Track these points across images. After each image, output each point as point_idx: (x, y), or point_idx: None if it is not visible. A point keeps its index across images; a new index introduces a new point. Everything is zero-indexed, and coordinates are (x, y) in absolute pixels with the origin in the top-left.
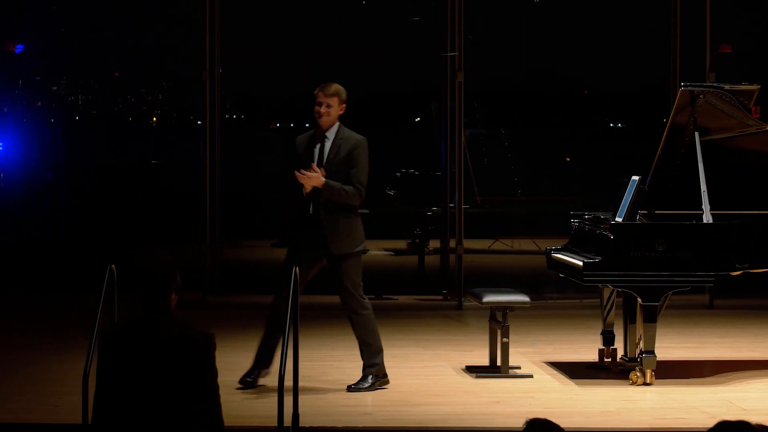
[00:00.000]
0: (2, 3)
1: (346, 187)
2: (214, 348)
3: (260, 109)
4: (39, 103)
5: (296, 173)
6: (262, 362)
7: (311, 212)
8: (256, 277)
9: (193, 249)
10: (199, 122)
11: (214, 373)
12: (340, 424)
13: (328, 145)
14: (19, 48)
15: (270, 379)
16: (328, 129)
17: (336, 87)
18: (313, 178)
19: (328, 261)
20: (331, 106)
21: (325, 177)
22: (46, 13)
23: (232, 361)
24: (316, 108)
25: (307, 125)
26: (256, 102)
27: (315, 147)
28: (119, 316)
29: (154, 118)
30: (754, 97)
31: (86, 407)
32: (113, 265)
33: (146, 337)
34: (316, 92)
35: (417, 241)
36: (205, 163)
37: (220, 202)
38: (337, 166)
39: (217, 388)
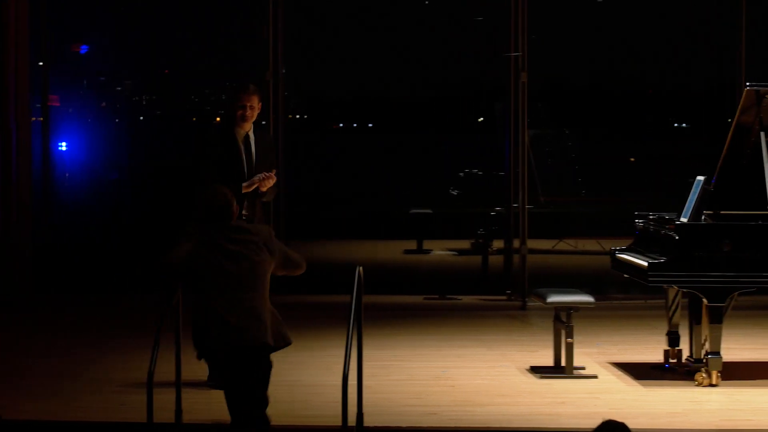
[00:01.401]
0: (67, 4)
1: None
2: (272, 232)
3: (324, 109)
4: (104, 104)
5: (265, 177)
6: None
7: (245, 211)
8: (321, 276)
9: None
10: (263, 122)
11: (279, 244)
12: (404, 424)
13: (253, 145)
14: (83, 49)
15: (334, 378)
16: (250, 129)
17: (255, 87)
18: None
19: None
20: (254, 107)
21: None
22: (111, 13)
23: (296, 360)
24: (240, 111)
25: (370, 125)
26: (319, 102)
27: (241, 150)
28: (183, 316)
29: (218, 118)
30: None
31: (151, 405)
32: (177, 264)
33: (222, 234)
34: (238, 95)
35: (481, 241)
36: None
37: (287, 202)
38: (265, 164)
39: (285, 248)
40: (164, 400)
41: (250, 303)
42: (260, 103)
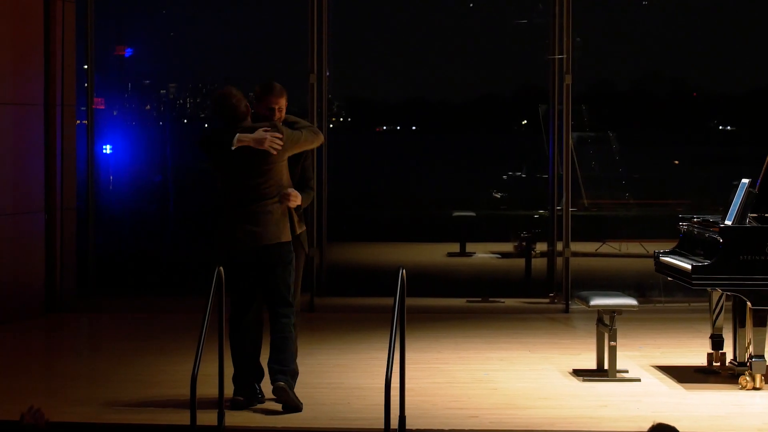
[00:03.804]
0: (112, 7)
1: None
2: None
3: (367, 112)
4: (148, 107)
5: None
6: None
7: None
8: (363, 279)
9: None
10: None
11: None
12: (446, 427)
13: None
14: (128, 52)
15: (376, 381)
16: None
17: (282, 87)
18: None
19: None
20: (282, 109)
21: None
22: (156, 16)
23: (339, 363)
24: (268, 114)
25: (413, 128)
26: (363, 105)
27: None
28: (226, 317)
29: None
30: None
31: (194, 408)
32: (221, 267)
33: (229, 140)
34: (267, 97)
35: (524, 243)
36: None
37: (327, 204)
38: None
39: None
40: (207, 403)
41: (249, 204)
42: (287, 103)
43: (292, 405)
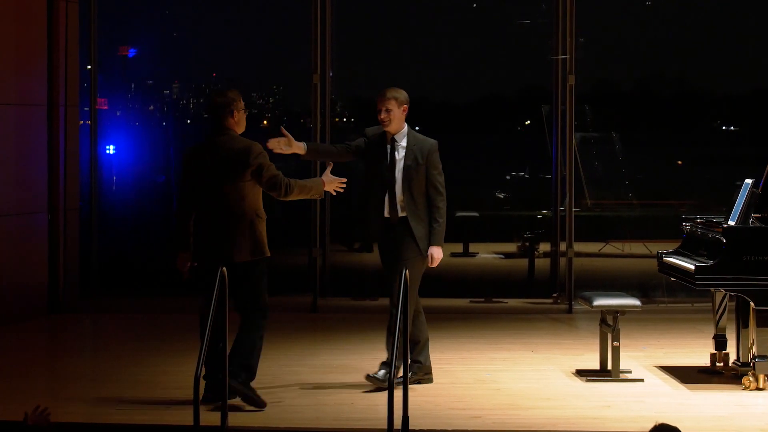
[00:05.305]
0: (115, 8)
1: (440, 213)
2: (256, 151)
3: (370, 112)
4: (151, 107)
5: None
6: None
7: (394, 223)
8: (366, 279)
9: (304, 253)
10: (310, 125)
11: (261, 161)
12: (449, 427)
13: (401, 151)
14: (131, 52)
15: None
16: (396, 133)
17: (391, 91)
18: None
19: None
20: (390, 110)
21: (403, 184)
22: (159, 17)
23: (342, 364)
24: (378, 116)
25: (417, 128)
26: (366, 105)
27: (386, 152)
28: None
29: (265, 122)
30: None
31: (197, 408)
32: (224, 268)
33: (211, 148)
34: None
35: (527, 244)
36: (316, 167)
37: (330, 206)
38: (415, 173)
39: (268, 166)
40: (210, 404)
41: (218, 216)
42: (404, 106)
43: (250, 401)
